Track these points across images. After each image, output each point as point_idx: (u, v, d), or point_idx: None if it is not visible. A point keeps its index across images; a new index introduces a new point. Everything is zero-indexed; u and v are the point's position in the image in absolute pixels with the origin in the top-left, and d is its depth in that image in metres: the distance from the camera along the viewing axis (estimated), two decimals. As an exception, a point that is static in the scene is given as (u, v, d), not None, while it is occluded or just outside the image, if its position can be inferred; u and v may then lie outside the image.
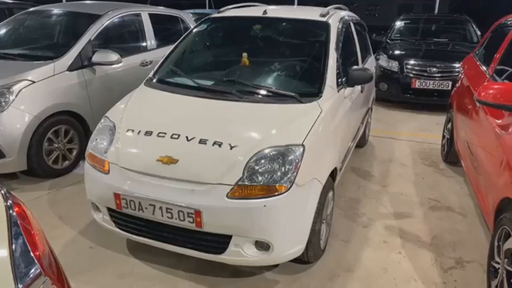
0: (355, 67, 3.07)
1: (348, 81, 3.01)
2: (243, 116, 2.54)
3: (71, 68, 3.95)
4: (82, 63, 4.05)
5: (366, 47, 4.60)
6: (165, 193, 2.22)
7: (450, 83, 6.31)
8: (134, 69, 4.61)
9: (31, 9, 4.96)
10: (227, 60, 3.33)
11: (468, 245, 2.96)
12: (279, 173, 2.18)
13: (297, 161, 2.23)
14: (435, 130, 5.55)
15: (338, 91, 2.92)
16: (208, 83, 2.94)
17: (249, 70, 3.07)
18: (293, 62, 3.15)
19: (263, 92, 2.72)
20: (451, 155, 4.33)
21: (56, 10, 4.76)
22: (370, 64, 4.49)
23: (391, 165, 4.44)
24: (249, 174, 2.17)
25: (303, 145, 2.29)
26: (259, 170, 2.18)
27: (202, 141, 2.31)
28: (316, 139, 2.42)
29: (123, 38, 4.84)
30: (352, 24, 3.88)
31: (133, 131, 2.48)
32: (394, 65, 6.78)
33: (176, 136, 2.36)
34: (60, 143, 3.87)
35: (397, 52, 7.10)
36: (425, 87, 6.51)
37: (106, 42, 4.40)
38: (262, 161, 2.21)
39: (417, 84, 6.52)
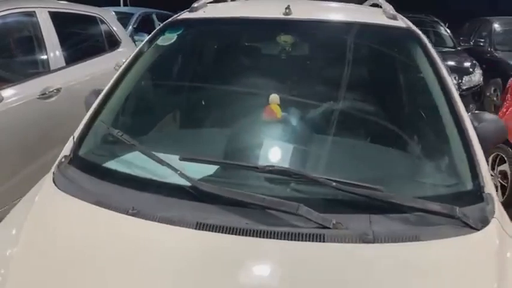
0: None
1: None
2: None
3: None
4: None
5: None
6: None
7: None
8: (29, 106, 2.72)
9: None
10: (231, 107, 1.59)
11: None
12: None
13: None
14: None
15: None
16: (211, 171, 1.24)
17: (298, 133, 1.42)
18: (392, 117, 1.51)
19: (379, 203, 1.05)
20: None
21: None
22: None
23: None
24: None
25: None
26: None
27: None
28: None
29: (5, 53, 2.91)
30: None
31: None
32: None
33: None
34: None
35: None
36: None
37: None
38: None
39: None
